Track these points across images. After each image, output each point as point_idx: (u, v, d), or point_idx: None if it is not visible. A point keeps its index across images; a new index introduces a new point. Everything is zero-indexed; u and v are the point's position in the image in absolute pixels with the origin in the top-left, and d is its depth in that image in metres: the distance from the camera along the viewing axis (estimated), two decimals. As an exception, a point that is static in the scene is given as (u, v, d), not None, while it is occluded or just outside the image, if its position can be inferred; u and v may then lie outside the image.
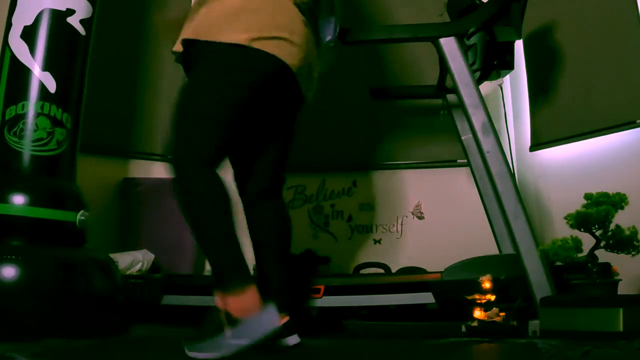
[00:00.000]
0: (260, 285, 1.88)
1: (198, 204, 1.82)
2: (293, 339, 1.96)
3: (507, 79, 3.39)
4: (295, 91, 2.04)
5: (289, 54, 1.92)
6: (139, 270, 2.83)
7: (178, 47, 1.98)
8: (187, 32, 1.95)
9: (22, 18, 2.23)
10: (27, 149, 2.18)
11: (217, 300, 1.81)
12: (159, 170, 3.45)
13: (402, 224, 3.55)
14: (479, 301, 2.13)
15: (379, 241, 3.55)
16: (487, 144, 2.30)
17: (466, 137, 2.91)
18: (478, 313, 2.11)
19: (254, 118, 2.00)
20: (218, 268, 1.85)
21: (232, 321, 1.76)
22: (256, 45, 1.87)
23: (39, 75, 2.20)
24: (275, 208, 2.13)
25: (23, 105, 2.19)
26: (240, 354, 1.83)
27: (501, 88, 3.34)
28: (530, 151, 3.28)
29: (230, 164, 2.13)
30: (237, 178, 2.13)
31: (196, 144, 1.84)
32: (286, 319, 1.97)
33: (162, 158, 3.53)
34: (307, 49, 2.00)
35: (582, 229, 2.02)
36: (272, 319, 1.77)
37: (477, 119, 2.32)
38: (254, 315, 1.76)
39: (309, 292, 2.42)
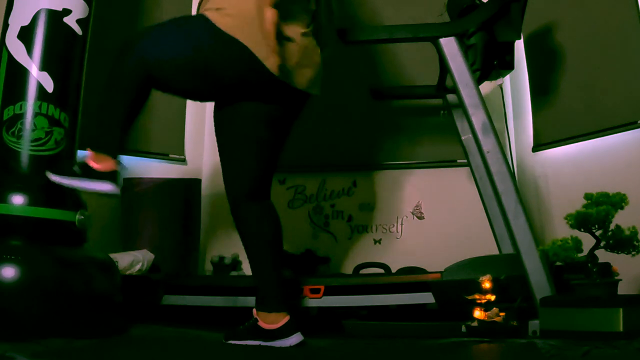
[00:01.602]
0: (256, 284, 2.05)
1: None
2: (297, 337, 2.01)
3: (507, 79, 3.39)
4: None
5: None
6: (139, 270, 2.83)
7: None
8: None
9: (19, 18, 2.22)
10: (25, 149, 2.17)
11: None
12: (159, 170, 3.45)
13: (402, 224, 3.54)
14: (479, 301, 2.12)
15: (379, 241, 3.55)
16: (487, 144, 2.30)
17: (466, 137, 2.91)
18: (478, 313, 2.11)
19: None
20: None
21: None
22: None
23: (37, 75, 2.20)
24: (262, 208, 2.13)
25: (21, 105, 2.19)
26: (242, 353, 1.83)
27: (501, 88, 3.34)
28: (533, 152, 3.27)
29: (221, 166, 2.15)
30: (226, 180, 2.14)
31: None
32: (287, 318, 1.98)
33: (162, 157, 3.53)
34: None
35: (582, 229, 2.01)
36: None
37: (477, 119, 2.32)
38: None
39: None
